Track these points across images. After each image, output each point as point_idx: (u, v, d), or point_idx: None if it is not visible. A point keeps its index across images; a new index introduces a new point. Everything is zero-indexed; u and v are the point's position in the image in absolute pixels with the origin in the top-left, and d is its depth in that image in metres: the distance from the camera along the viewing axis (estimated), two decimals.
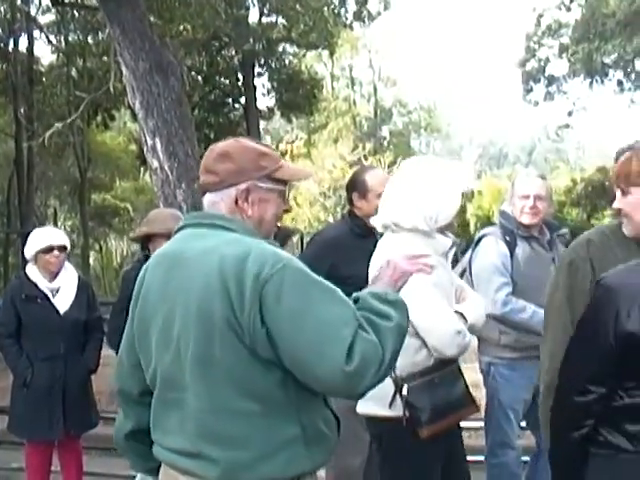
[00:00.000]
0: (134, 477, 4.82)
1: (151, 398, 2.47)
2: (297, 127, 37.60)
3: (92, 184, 26.87)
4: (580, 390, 2.40)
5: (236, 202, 2.42)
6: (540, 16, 23.67)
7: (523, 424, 4.94)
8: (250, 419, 2.25)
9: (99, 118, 20.25)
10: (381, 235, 3.66)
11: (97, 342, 5.38)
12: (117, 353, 4.76)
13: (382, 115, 45.08)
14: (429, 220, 3.41)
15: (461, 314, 3.49)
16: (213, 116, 21.41)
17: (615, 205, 2.87)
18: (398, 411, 3.31)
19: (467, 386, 3.55)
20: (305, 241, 15.04)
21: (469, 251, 4.79)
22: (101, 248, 33.79)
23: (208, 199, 2.47)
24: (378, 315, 2.24)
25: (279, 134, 38.58)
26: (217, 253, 2.27)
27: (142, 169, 27.61)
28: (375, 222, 3.65)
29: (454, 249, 3.64)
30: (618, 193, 2.78)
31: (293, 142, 38.28)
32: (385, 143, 43.93)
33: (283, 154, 35.78)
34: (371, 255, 3.54)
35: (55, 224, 28.42)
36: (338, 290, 2.27)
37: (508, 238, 4.57)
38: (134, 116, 21.39)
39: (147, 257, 4.84)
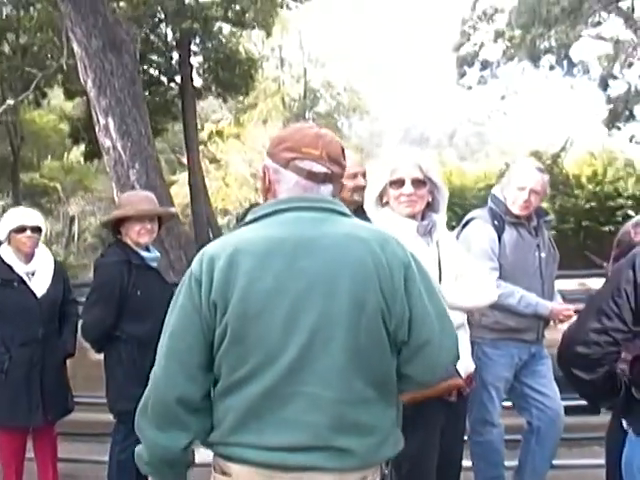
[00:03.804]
0: (107, 460, 4.78)
1: (208, 403, 2.35)
2: (225, 108, 37.34)
3: (22, 163, 26.25)
4: None
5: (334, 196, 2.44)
6: (476, 0, 23.90)
7: (506, 404, 5.05)
8: (372, 406, 2.28)
9: (31, 96, 19.73)
10: None
11: (73, 325, 5.24)
12: (93, 345, 4.73)
13: (311, 96, 45.02)
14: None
15: None
16: (148, 95, 21.02)
17: None
18: None
19: None
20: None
21: (456, 231, 4.85)
22: None
23: (326, 189, 2.40)
24: None
25: (206, 114, 38.21)
26: (358, 239, 2.27)
27: (69, 148, 27.21)
28: None
29: (433, 225, 3.72)
30: None
31: (219, 122, 38.12)
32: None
33: (212, 134, 35.70)
34: None
35: None
36: None
37: (496, 222, 4.63)
38: (68, 94, 21.32)
39: (119, 241, 4.76)
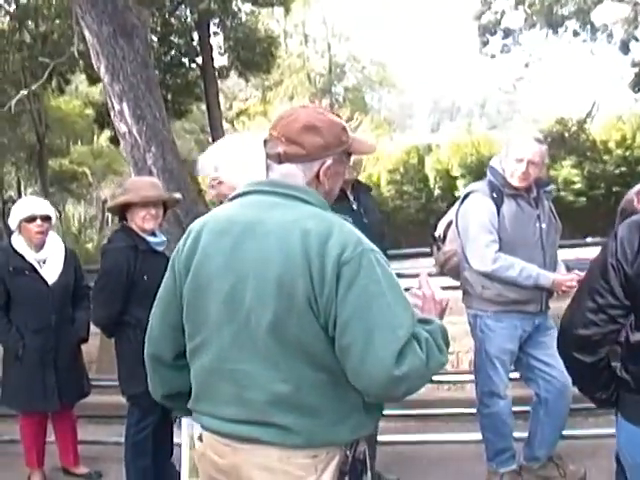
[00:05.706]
0: (123, 442, 4.86)
1: (185, 362, 2.48)
2: (251, 85, 37.36)
3: (48, 149, 26.49)
4: None
5: (317, 176, 2.39)
6: None
7: (514, 375, 5.07)
8: (321, 388, 2.27)
9: (54, 83, 19.91)
10: None
11: (86, 311, 5.28)
12: (104, 330, 4.81)
13: (337, 71, 44.91)
14: None
15: None
16: (169, 77, 21.10)
17: None
18: None
19: None
20: None
21: (456, 205, 4.86)
22: (60, 214, 33.42)
23: (285, 169, 2.36)
24: (438, 347, 2.26)
25: (233, 93, 38.29)
26: (299, 227, 2.22)
27: (98, 133, 27.38)
28: None
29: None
30: None
31: (247, 100, 38.16)
32: (341, 99, 43.90)
33: (240, 113, 35.74)
34: None
35: (19, 192, 28.13)
36: (403, 292, 2.30)
37: (495, 195, 4.61)
38: (90, 80, 21.46)
39: (125, 227, 4.81)
